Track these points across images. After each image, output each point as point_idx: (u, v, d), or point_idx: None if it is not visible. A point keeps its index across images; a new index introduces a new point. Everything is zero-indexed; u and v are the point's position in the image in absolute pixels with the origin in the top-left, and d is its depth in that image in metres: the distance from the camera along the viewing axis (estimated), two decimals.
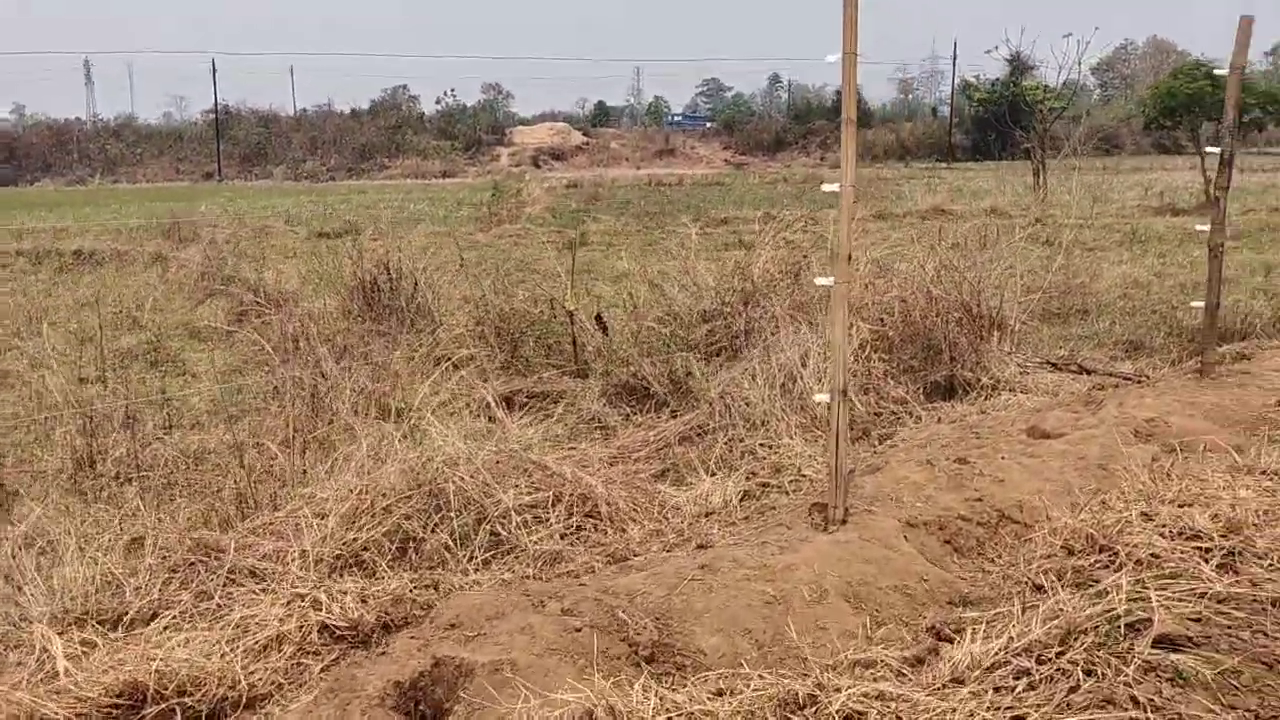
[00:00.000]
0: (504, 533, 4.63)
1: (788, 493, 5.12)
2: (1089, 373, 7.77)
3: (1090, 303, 12.42)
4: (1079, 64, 21.44)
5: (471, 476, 4.82)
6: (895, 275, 7.79)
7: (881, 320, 7.36)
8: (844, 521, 3.99)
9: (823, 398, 4.17)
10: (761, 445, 5.77)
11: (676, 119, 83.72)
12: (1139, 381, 7.45)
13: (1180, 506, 3.75)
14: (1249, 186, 28.87)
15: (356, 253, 9.82)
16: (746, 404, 6.09)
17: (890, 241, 9.61)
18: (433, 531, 4.59)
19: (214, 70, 57.52)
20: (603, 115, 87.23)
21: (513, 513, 4.70)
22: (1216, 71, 5.73)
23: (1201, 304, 6.46)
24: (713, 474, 5.62)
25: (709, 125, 76.41)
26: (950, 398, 7.29)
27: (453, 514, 4.64)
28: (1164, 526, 3.55)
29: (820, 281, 3.99)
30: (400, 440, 5.16)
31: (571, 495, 4.96)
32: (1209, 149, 6.26)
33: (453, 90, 71.38)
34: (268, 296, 10.90)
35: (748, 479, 5.45)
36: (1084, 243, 18.84)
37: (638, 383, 6.90)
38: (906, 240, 11.54)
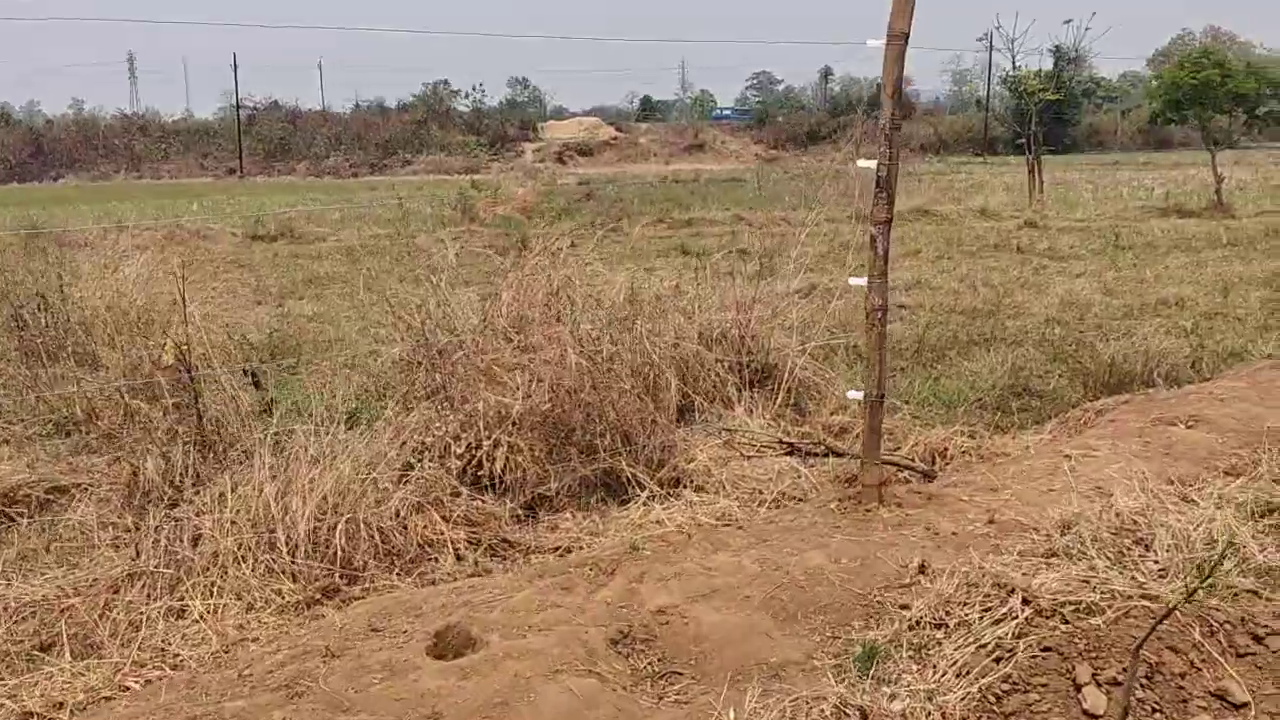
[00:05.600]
0: None
1: None
2: (839, 455, 5.69)
3: (1010, 330, 10.34)
4: (1075, 49, 18.92)
5: None
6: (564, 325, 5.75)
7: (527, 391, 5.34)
8: None
9: None
10: (169, 611, 3.85)
11: (725, 113, 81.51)
12: (928, 476, 5.41)
13: None
14: (1276, 177, 25.95)
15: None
16: (195, 538, 4.16)
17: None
18: None
19: (235, 66, 56.67)
20: (649, 109, 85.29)
21: None
22: (871, 43, 3.65)
23: (859, 395, 4.35)
24: (82, 657, 3.74)
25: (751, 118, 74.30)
26: (616, 500, 5.30)
27: None
28: None
29: None
30: None
31: None
32: (862, 163, 4.17)
33: (481, 85, 69.81)
34: None
35: (114, 674, 3.55)
36: (1057, 251, 16.57)
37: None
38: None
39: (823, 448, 5.79)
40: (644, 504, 5.09)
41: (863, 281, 4.10)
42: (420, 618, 3.27)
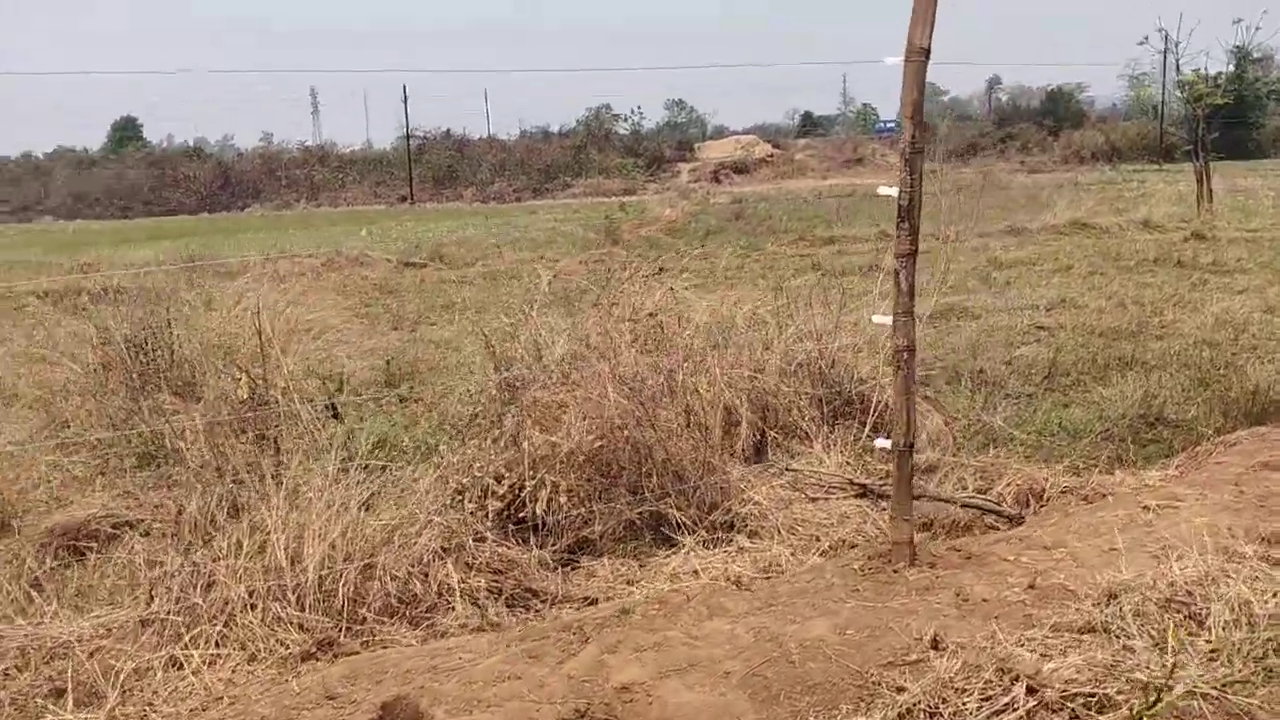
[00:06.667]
0: None
1: None
2: (915, 498, 5.24)
3: (1153, 352, 9.59)
4: (1250, 50, 17.61)
5: None
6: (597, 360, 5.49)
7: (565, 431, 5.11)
8: None
9: None
10: (170, 661, 3.78)
11: (888, 125, 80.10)
12: (1014, 521, 4.99)
13: None
14: None
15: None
16: (208, 585, 4.09)
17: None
18: None
19: (405, 98, 58.76)
20: (810, 125, 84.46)
21: None
22: (889, 60, 3.30)
23: (887, 443, 3.93)
24: (84, 707, 3.71)
25: None
26: (664, 545, 5.02)
27: None
28: None
29: None
30: None
31: None
32: (882, 189, 3.76)
33: (640, 108, 70.75)
34: None
35: None
36: (1221, 264, 15.41)
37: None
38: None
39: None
40: (688, 551, 4.81)
41: (888, 320, 3.71)
42: (380, 684, 3.09)
